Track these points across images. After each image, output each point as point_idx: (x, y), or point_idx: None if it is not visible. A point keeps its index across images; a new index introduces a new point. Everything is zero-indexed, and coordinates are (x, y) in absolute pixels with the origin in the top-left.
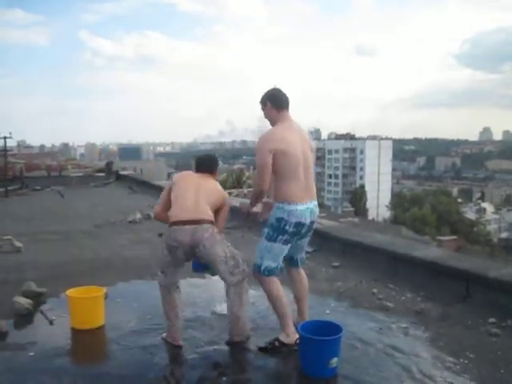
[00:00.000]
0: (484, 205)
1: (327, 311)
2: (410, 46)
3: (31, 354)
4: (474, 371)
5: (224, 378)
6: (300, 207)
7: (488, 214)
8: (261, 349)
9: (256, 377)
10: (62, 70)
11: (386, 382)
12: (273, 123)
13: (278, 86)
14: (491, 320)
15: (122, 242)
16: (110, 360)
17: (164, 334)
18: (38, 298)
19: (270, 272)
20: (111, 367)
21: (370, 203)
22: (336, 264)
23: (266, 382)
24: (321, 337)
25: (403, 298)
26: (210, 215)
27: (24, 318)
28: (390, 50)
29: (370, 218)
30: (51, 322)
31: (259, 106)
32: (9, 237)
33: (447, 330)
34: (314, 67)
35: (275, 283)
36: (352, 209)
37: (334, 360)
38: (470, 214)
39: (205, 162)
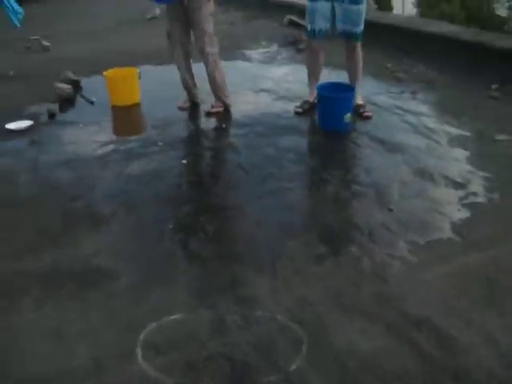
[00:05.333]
0: None
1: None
2: None
3: (81, 125)
4: (469, 125)
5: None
6: None
7: None
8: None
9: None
10: None
11: (394, 135)
12: None
13: None
14: (494, 86)
15: (143, 35)
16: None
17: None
18: (76, 85)
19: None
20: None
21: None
22: None
23: (291, 136)
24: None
25: (415, 70)
26: None
27: (67, 102)
28: None
29: None
30: (92, 103)
31: None
32: (36, 37)
33: (452, 95)
34: None
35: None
36: (375, 6)
37: (348, 116)
38: (501, 10)
39: None
